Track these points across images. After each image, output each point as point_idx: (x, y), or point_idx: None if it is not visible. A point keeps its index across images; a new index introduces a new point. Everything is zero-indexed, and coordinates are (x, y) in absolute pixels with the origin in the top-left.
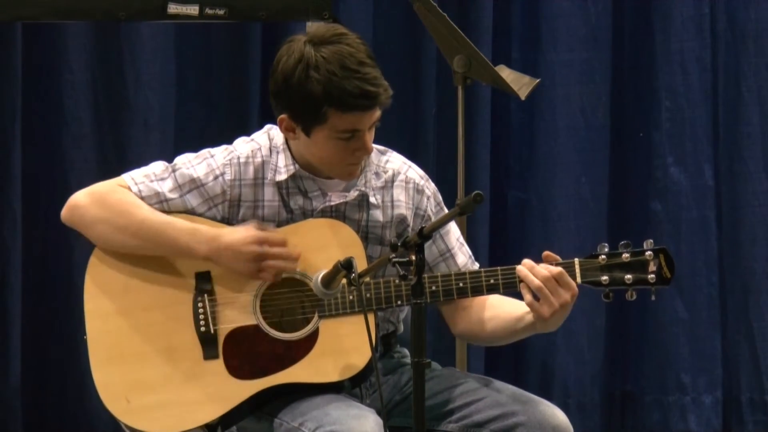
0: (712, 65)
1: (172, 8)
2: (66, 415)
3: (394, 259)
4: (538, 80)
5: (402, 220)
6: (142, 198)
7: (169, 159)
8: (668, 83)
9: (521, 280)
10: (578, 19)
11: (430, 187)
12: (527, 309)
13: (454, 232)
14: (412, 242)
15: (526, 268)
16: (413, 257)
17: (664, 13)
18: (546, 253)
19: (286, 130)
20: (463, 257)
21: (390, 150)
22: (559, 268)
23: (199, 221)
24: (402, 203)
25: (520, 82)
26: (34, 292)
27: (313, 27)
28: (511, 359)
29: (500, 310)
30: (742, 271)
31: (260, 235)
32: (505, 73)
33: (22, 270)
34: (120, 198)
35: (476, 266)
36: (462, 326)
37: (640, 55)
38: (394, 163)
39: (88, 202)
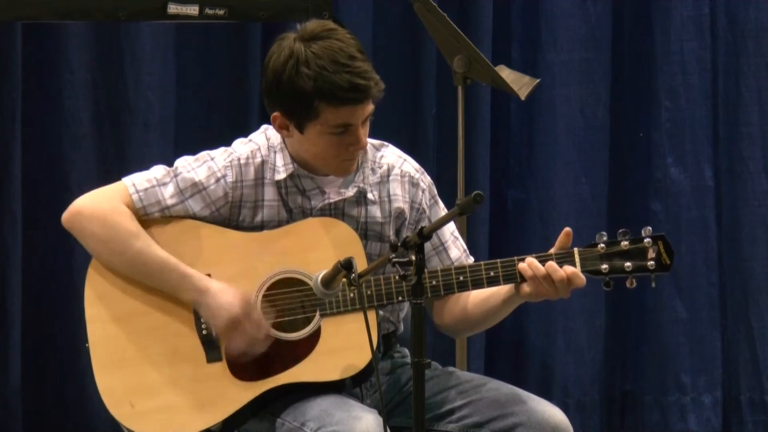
0: (712, 65)
1: (172, 8)
2: (66, 415)
3: (394, 259)
4: (538, 80)
5: (400, 213)
6: (143, 206)
7: (169, 159)
8: (668, 83)
9: (522, 276)
10: (578, 19)
11: (425, 180)
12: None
13: (448, 226)
14: (412, 242)
15: (531, 269)
16: (413, 257)
17: (664, 13)
18: (556, 246)
19: (279, 128)
20: (457, 251)
21: (387, 144)
22: (563, 275)
23: (202, 223)
24: (399, 197)
25: (520, 82)
26: (34, 292)
27: (304, 24)
28: (511, 359)
29: (478, 293)
30: (742, 271)
31: (241, 313)
32: (505, 73)
33: (22, 270)
34: (120, 222)
35: (471, 260)
36: (446, 316)
37: (640, 55)
38: (389, 157)
39: (89, 215)
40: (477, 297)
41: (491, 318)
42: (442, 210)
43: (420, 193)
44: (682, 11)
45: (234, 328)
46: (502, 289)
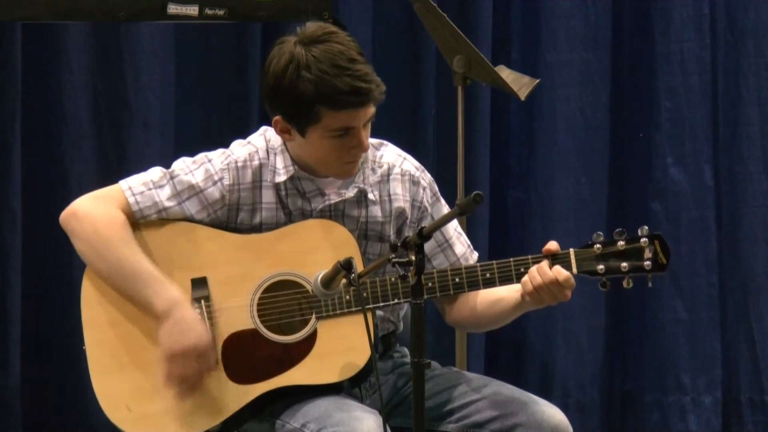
0: (712, 65)
1: (172, 8)
2: (66, 415)
3: (394, 260)
4: (537, 80)
5: (401, 213)
6: (140, 208)
7: (169, 159)
8: (668, 83)
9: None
10: (578, 20)
11: (425, 178)
12: (514, 288)
13: (452, 222)
14: (412, 242)
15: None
16: (413, 257)
17: (664, 14)
18: (546, 248)
19: (281, 132)
20: (462, 247)
21: (385, 143)
22: (553, 278)
23: (199, 226)
24: (399, 196)
25: (519, 83)
26: (34, 292)
27: (304, 26)
28: (511, 359)
29: (489, 293)
30: (741, 271)
31: (207, 344)
32: (505, 73)
33: (22, 270)
34: (111, 227)
35: (475, 255)
36: (455, 314)
37: (640, 55)
38: (388, 156)
39: (82, 217)
40: (486, 298)
41: (501, 320)
42: (445, 207)
43: (421, 191)
44: (682, 11)
45: (194, 355)
46: (512, 296)
